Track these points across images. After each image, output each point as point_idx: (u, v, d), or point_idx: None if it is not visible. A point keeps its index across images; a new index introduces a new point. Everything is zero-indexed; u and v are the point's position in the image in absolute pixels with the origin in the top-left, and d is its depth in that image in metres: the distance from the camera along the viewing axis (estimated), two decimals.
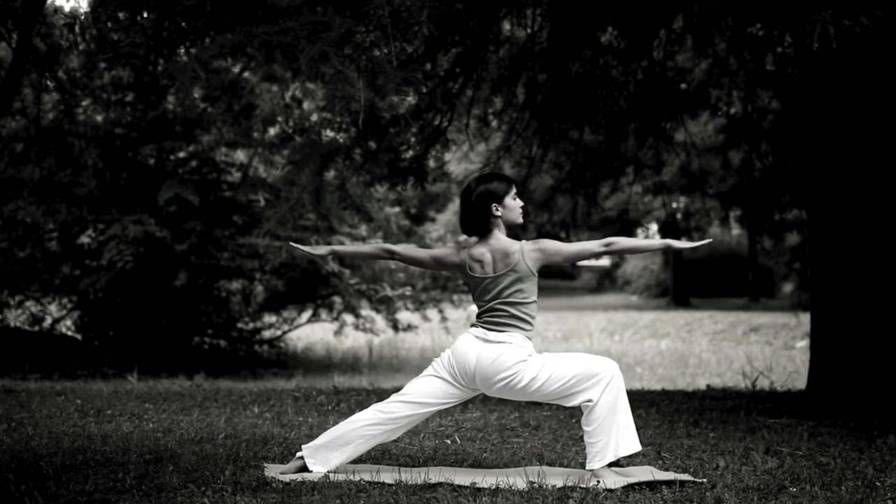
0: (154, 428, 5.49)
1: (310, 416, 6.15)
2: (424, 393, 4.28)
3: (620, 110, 9.01)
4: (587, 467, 4.15)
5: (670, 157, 10.43)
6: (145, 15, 6.43)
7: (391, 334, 18.17)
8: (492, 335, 4.20)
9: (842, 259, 6.93)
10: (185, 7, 6.03)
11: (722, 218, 17.04)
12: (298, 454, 4.28)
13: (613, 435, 4.10)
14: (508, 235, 4.32)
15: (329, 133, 8.60)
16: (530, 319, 4.23)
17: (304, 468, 4.24)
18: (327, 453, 4.24)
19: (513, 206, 4.28)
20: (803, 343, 18.71)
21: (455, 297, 17.81)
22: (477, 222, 4.28)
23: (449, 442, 5.19)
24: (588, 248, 4.24)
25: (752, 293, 30.34)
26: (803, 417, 6.24)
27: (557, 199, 10.51)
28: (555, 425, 5.80)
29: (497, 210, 4.25)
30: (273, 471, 4.23)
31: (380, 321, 16.77)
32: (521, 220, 4.32)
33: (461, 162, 13.14)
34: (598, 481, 4.02)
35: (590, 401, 4.12)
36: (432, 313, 16.92)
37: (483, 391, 4.26)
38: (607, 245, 4.23)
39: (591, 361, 4.17)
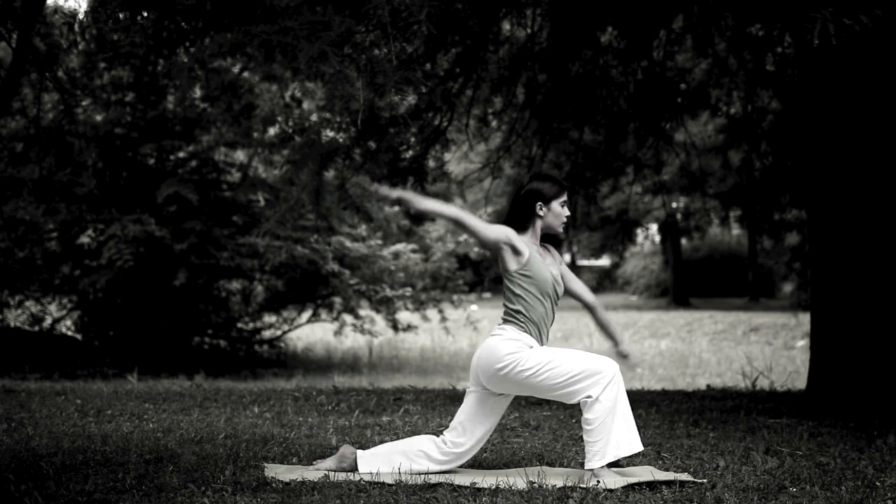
0: (154, 428, 5.49)
1: (310, 416, 6.15)
2: (469, 415, 4.26)
3: (620, 110, 9.01)
4: (587, 467, 4.14)
5: (670, 157, 10.43)
6: (145, 15, 6.42)
7: (391, 334, 18.17)
8: (493, 330, 4.25)
9: (842, 259, 6.93)
10: (185, 7, 6.02)
11: (722, 218, 17.05)
12: (350, 451, 4.26)
13: (613, 435, 4.09)
14: (542, 240, 4.32)
15: (329, 133, 8.59)
16: (528, 313, 4.20)
17: (353, 467, 4.22)
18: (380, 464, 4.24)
19: (559, 211, 4.25)
20: (803, 343, 18.71)
21: (455, 297, 17.81)
22: (518, 217, 4.25)
23: None
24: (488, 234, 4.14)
25: (752, 293, 30.35)
26: (803, 417, 6.24)
27: None
28: (555, 425, 5.80)
29: (541, 210, 4.23)
30: (314, 468, 4.24)
31: (380, 321, 16.76)
32: (560, 230, 4.27)
33: (461, 162, 13.16)
34: (598, 481, 4.01)
35: (590, 397, 4.10)
36: (432, 313, 16.92)
37: (491, 389, 4.24)
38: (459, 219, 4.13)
39: (592, 359, 4.17)
